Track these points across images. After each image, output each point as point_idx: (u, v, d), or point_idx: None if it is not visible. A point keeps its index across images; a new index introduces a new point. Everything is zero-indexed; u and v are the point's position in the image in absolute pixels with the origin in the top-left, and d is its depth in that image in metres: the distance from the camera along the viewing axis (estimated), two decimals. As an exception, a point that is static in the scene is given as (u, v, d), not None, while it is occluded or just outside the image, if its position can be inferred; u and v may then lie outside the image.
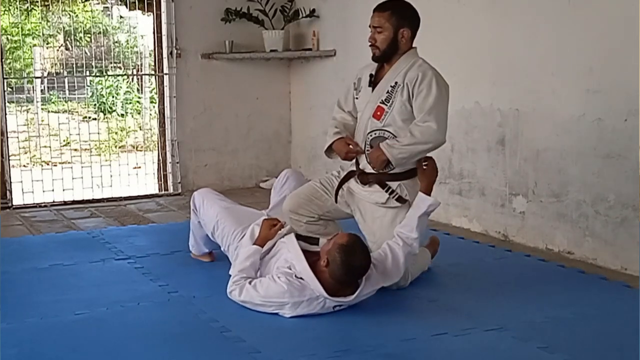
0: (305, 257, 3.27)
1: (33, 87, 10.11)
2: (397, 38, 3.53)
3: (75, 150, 7.98)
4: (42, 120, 9.07)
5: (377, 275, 3.34)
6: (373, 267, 3.32)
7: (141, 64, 8.90)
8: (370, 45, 3.58)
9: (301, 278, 3.23)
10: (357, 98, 3.69)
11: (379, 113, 3.55)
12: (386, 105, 3.53)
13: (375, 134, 3.57)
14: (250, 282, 3.35)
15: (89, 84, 11.05)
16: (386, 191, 3.57)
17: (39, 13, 10.44)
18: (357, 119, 3.69)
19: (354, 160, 3.70)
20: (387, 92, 3.54)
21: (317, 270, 3.21)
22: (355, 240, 3.22)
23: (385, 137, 3.53)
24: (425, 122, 3.45)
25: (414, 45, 3.61)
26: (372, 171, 3.60)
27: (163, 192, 6.44)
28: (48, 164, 7.29)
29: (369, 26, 3.58)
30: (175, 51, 6.24)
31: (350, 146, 3.61)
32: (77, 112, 9.93)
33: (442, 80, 3.53)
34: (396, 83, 3.53)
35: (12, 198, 5.83)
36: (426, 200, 3.46)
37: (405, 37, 3.54)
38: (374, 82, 3.61)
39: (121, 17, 10.61)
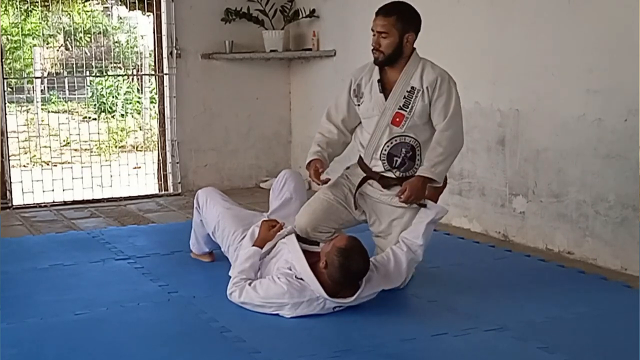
0: (305, 258, 3.27)
1: (33, 87, 10.11)
2: (402, 43, 3.51)
3: (75, 150, 7.99)
4: (42, 120, 9.06)
5: (378, 277, 3.33)
6: (375, 270, 3.32)
7: (141, 64, 8.90)
8: (373, 50, 3.54)
9: (301, 279, 3.22)
10: (358, 105, 3.64)
11: (398, 119, 3.53)
12: (405, 110, 3.51)
13: (396, 140, 3.54)
14: (250, 284, 3.35)
15: (89, 84, 11.04)
16: None
17: (38, 13, 10.44)
18: (361, 126, 3.66)
19: (365, 167, 3.67)
20: (405, 97, 3.52)
21: (318, 271, 3.20)
22: (354, 243, 3.20)
23: (407, 143, 3.53)
24: (449, 129, 3.50)
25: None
26: (393, 175, 3.58)
27: (163, 192, 6.44)
28: (48, 164, 7.28)
29: (372, 29, 3.55)
30: (175, 51, 6.24)
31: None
32: (77, 112, 9.93)
33: (453, 80, 3.57)
34: (413, 88, 3.51)
35: (12, 198, 5.83)
36: (434, 208, 3.46)
37: (410, 41, 3.53)
38: (383, 87, 3.58)
39: (120, 18, 10.62)
